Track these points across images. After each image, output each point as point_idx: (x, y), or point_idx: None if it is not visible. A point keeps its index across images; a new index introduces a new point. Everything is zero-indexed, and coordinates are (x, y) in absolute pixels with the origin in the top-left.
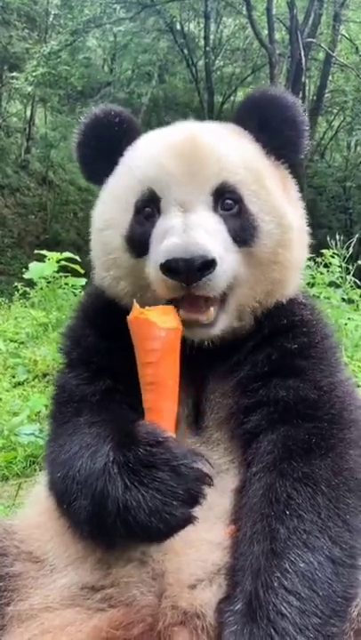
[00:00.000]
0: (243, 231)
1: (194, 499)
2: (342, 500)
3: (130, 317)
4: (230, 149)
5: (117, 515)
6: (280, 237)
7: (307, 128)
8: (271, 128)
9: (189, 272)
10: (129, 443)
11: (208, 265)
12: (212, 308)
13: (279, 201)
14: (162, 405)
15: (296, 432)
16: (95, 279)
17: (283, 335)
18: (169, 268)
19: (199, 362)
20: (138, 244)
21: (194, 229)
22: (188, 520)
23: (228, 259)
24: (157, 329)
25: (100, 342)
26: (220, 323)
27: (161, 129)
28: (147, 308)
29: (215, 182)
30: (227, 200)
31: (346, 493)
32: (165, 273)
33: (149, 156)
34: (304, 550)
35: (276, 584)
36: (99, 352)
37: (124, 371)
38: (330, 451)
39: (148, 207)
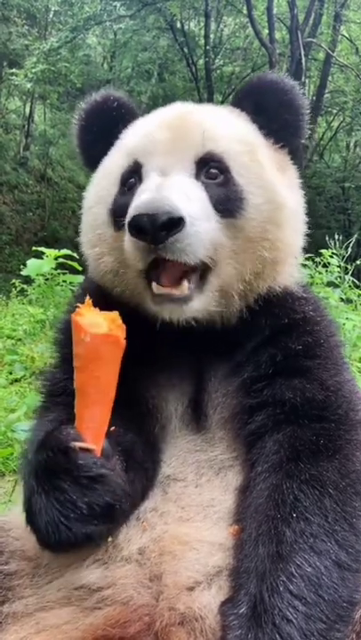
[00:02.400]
0: (227, 201)
1: (100, 514)
2: (349, 504)
3: (72, 316)
4: (220, 123)
5: (28, 516)
6: (270, 214)
7: (306, 112)
8: (269, 111)
9: (154, 228)
10: (42, 446)
11: (174, 223)
12: (185, 282)
13: (271, 177)
14: (84, 414)
15: (303, 432)
16: (88, 264)
17: (285, 334)
18: (135, 225)
19: (197, 361)
20: (119, 215)
21: (166, 188)
22: (92, 537)
23: (205, 224)
24: (83, 333)
25: None
26: (197, 301)
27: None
28: (93, 309)
29: (200, 151)
30: (211, 169)
31: (353, 496)
32: (132, 233)
33: (138, 129)
34: (311, 554)
35: (281, 588)
36: None
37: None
38: (337, 452)
39: (132, 178)
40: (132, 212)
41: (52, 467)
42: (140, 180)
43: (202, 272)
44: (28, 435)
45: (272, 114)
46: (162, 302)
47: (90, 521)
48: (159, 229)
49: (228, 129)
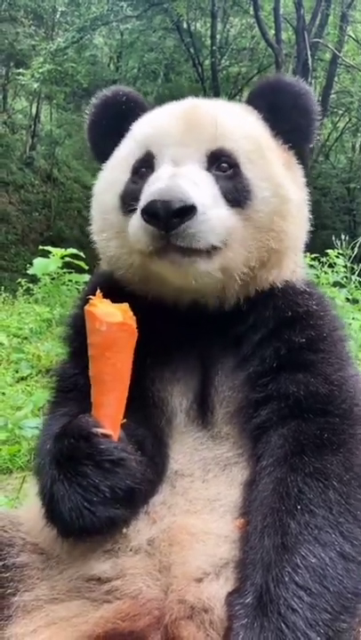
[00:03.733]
0: (236, 192)
1: (122, 498)
2: (353, 496)
3: (85, 308)
4: (232, 119)
5: (48, 506)
6: (276, 206)
7: (318, 117)
8: (281, 113)
9: (167, 215)
10: (62, 435)
11: (187, 210)
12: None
13: (278, 172)
14: (101, 401)
15: (307, 426)
16: (97, 251)
17: (289, 328)
18: (148, 211)
19: (203, 355)
20: (128, 200)
21: (179, 177)
22: (114, 521)
23: (217, 211)
24: (99, 322)
25: None
26: (201, 263)
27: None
28: (105, 301)
29: (211, 146)
30: (222, 163)
31: (357, 489)
32: (145, 218)
33: (151, 120)
34: (315, 545)
35: (287, 579)
36: None
37: None
38: (341, 446)
39: (144, 167)
40: (146, 197)
41: (73, 453)
42: (151, 169)
43: (210, 253)
44: (41, 429)
45: (284, 115)
46: (166, 254)
47: (113, 505)
48: (172, 216)
49: (239, 126)
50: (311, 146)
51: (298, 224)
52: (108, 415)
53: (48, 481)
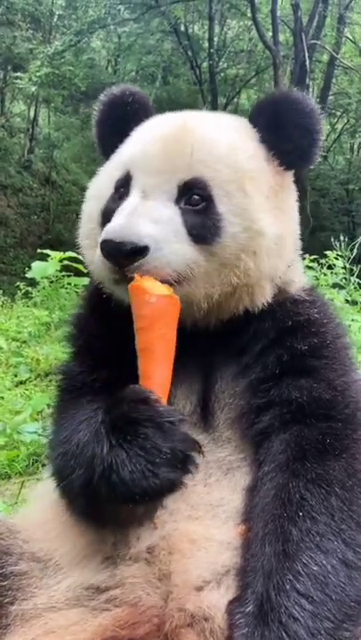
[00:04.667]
0: (202, 228)
1: (180, 461)
2: (356, 503)
3: (130, 285)
4: (218, 143)
5: (102, 475)
6: (245, 242)
7: (321, 138)
8: (282, 131)
9: (118, 256)
10: (116, 403)
11: (138, 251)
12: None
13: (255, 206)
14: (152, 371)
15: (310, 432)
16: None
17: (291, 336)
18: (103, 249)
19: (205, 361)
20: (105, 219)
21: (137, 215)
22: (174, 484)
23: (176, 246)
24: (148, 295)
25: (103, 330)
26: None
27: (170, 113)
28: (147, 277)
29: (186, 175)
30: (194, 196)
31: (360, 495)
32: (103, 253)
33: (138, 137)
34: (317, 553)
35: (288, 586)
36: (102, 340)
37: (127, 359)
38: (344, 452)
39: (122, 187)
40: (102, 235)
41: (133, 416)
42: (127, 192)
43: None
44: (60, 422)
45: (285, 134)
46: (121, 282)
47: (174, 466)
48: (123, 257)
49: (224, 151)
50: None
51: (272, 258)
52: (158, 385)
53: (103, 449)
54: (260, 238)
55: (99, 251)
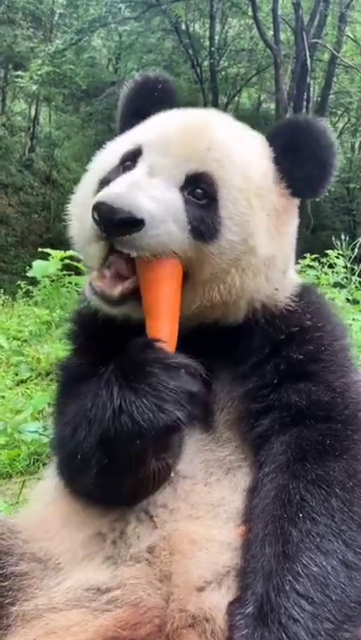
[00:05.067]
0: (202, 224)
1: (186, 401)
2: (356, 504)
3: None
4: (236, 149)
5: (113, 418)
6: (239, 255)
7: (334, 173)
8: (298, 158)
9: (109, 222)
10: (125, 352)
11: (131, 223)
12: (120, 287)
13: (255, 221)
14: (158, 326)
15: (309, 433)
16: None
17: (286, 347)
18: (95, 211)
19: (203, 359)
20: (104, 185)
21: (139, 187)
22: (182, 422)
23: (173, 231)
24: (155, 259)
25: (104, 327)
26: (127, 307)
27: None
28: None
29: (197, 167)
30: (198, 189)
31: (360, 496)
32: (93, 217)
33: (159, 119)
34: (317, 554)
35: (288, 587)
36: (103, 337)
37: None
38: (344, 453)
39: (129, 160)
40: (97, 197)
41: (141, 358)
42: (133, 165)
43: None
44: (67, 396)
45: (299, 162)
46: (94, 294)
47: (180, 404)
48: (114, 225)
49: (238, 158)
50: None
51: (259, 278)
52: (164, 336)
53: (112, 395)
54: (252, 255)
55: (89, 215)
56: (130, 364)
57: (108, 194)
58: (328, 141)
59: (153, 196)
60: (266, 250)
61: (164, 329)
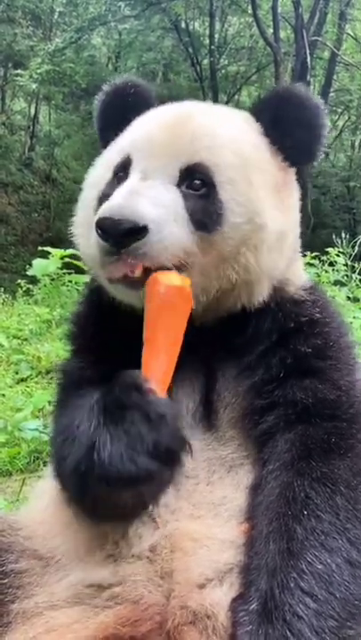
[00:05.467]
0: (204, 214)
1: (163, 455)
2: None
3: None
4: (222, 131)
5: (86, 453)
6: (248, 235)
7: (324, 134)
8: (285, 127)
9: (116, 234)
10: (111, 387)
11: (136, 231)
12: (140, 269)
13: (259, 198)
14: (152, 362)
15: (315, 431)
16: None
17: (294, 337)
18: (99, 227)
19: (207, 359)
20: (102, 203)
21: (138, 194)
22: (152, 475)
23: (174, 230)
24: (158, 285)
25: (104, 328)
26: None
27: (172, 104)
28: (166, 272)
29: (188, 160)
30: (195, 180)
31: None
32: (98, 233)
33: (140, 124)
34: (321, 551)
35: (292, 584)
36: (102, 338)
37: (128, 357)
38: (349, 451)
39: (121, 172)
40: (99, 213)
41: (123, 401)
42: (126, 175)
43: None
44: (62, 407)
45: (288, 130)
46: (116, 284)
47: (154, 458)
48: (121, 236)
49: (227, 139)
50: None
51: (273, 253)
52: (157, 376)
53: (90, 427)
54: (263, 232)
55: (94, 233)
56: (113, 402)
57: (108, 207)
58: (313, 104)
59: (152, 201)
60: (276, 225)
61: (159, 365)
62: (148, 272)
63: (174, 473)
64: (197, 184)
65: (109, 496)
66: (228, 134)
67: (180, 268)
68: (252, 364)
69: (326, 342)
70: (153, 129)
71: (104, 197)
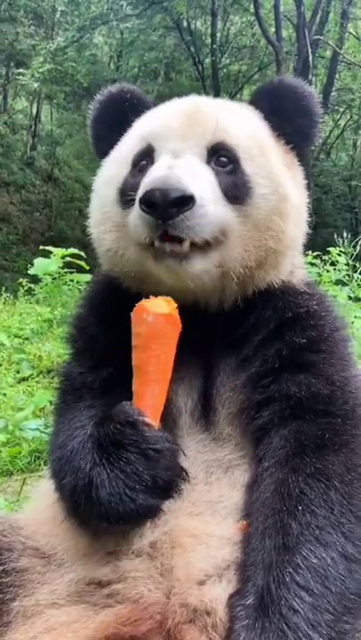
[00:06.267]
0: (235, 188)
1: (161, 488)
2: (356, 497)
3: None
4: (233, 117)
5: (83, 489)
6: (276, 205)
7: (320, 120)
8: (283, 114)
9: (164, 204)
10: (105, 420)
11: (185, 200)
12: (187, 242)
13: (278, 170)
14: (143, 391)
15: (309, 427)
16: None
17: (289, 328)
18: (147, 200)
19: (205, 355)
20: (127, 193)
21: (178, 167)
22: (151, 510)
23: (214, 205)
24: (146, 313)
25: (104, 331)
26: (198, 262)
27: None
28: (152, 298)
29: (212, 139)
30: (221, 157)
31: (359, 490)
32: (143, 207)
33: (154, 115)
34: (317, 546)
35: (288, 579)
36: (102, 341)
37: (127, 360)
38: (343, 446)
39: (144, 160)
40: (144, 186)
41: (118, 438)
42: (151, 162)
43: (206, 248)
44: (58, 424)
45: (286, 117)
46: (163, 258)
47: (152, 494)
48: (170, 205)
49: (239, 123)
50: (313, 147)
51: (296, 224)
52: (150, 406)
53: (87, 465)
54: (287, 202)
55: (136, 208)
56: (107, 440)
57: (153, 179)
58: (306, 92)
59: (191, 175)
60: (294, 198)
61: (151, 394)
62: (193, 247)
63: (172, 499)
64: (224, 161)
65: (109, 528)
66: (239, 119)
67: (212, 245)
68: (250, 355)
69: (321, 335)
70: (170, 117)
71: (127, 189)
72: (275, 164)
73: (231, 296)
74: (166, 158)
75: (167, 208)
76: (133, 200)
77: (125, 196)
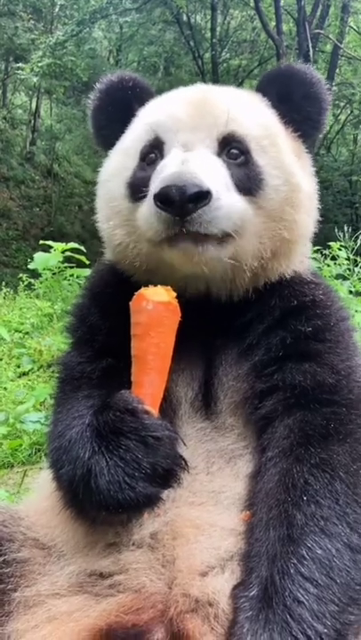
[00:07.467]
0: (247, 180)
1: (161, 477)
2: (360, 487)
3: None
4: (242, 105)
5: (82, 479)
6: (288, 195)
7: (328, 107)
8: (292, 101)
9: (182, 201)
10: (104, 409)
11: (202, 196)
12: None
13: (289, 160)
14: (142, 379)
15: (313, 417)
16: (103, 240)
17: (295, 317)
18: (163, 197)
19: (207, 345)
20: (137, 188)
21: (191, 162)
22: (151, 499)
23: (229, 197)
24: (145, 301)
25: (104, 321)
26: (212, 249)
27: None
28: (151, 286)
29: (222, 130)
30: (232, 149)
31: None
32: (159, 205)
33: (160, 105)
34: (321, 537)
35: (292, 570)
36: (102, 330)
37: (127, 351)
38: (348, 436)
39: (152, 153)
40: (159, 183)
41: (118, 426)
42: (160, 155)
43: (222, 241)
44: (57, 414)
45: (295, 104)
46: (177, 242)
47: (152, 482)
48: (187, 202)
49: (249, 112)
50: (321, 135)
51: (308, 213)
52: (149, 394)
53: (86, 453)
54: (299, 192)
55: (150, 205)
56: (106, 428)
57: (168, 176)
58: (315, 79)
59: (205, 169)
60: (306, 186)
61: (150, 383)
62: (210, 237)
63: (172, 488)
64: (235, 153)
65: (108, 517)
66: (248, 108)
67: (229, 237)
68: (254, 343)
69: (326, 324)
70: (179, 107)
71: (136, 183)
72: (285, 153)
73: (243, 286)
74: (178, 152)
75: (185, 204)
76: (143, 194)
77: (135, 190)
